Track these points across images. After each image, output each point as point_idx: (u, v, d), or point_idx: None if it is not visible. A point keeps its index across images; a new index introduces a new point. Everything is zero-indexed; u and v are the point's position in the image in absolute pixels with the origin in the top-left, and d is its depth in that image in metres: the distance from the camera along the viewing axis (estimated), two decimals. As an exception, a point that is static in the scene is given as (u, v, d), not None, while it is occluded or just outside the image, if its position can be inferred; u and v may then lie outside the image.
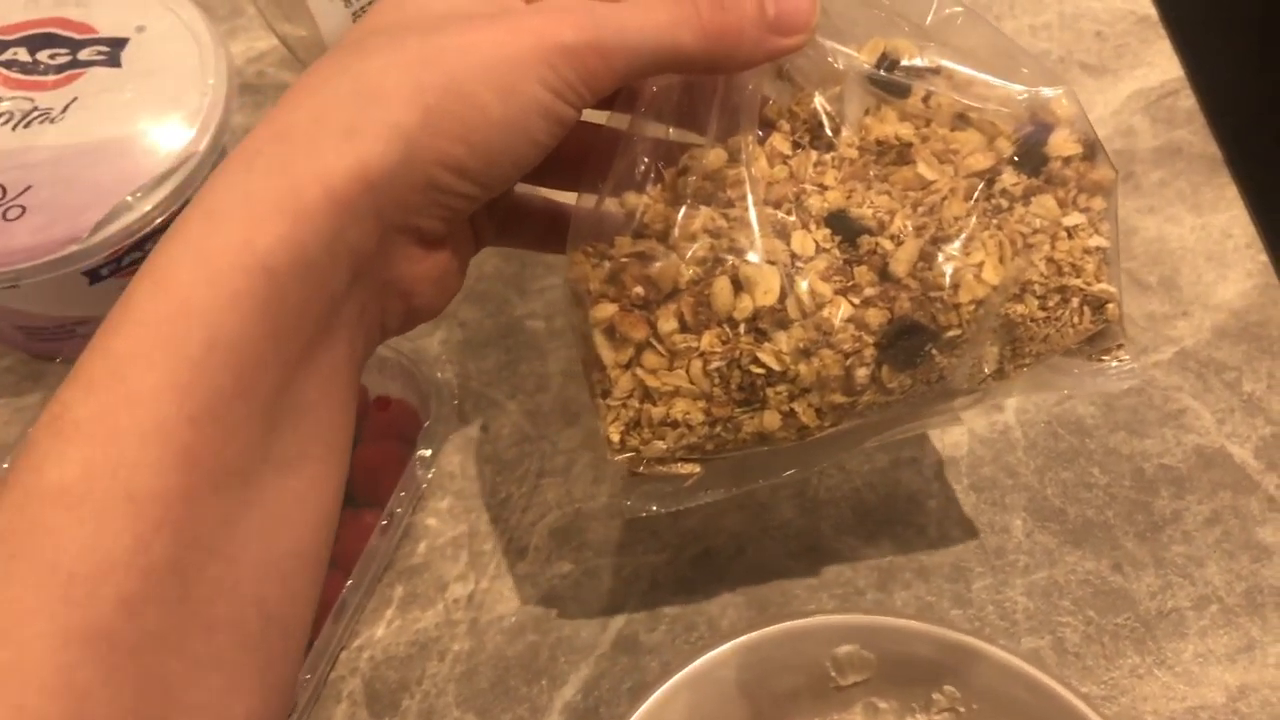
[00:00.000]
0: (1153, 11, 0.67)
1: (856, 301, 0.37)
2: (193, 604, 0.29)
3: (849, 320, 0.37)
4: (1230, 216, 0.59)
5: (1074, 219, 0.39)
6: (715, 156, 0.39)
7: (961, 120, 0.40)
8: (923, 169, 0.39)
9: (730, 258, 0.37)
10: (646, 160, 0.40)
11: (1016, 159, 0.39)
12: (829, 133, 0.39)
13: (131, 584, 0.27)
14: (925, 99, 0.40)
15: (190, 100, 0.50)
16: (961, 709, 0.41)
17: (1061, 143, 0.39)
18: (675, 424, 0.39)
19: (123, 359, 0.29)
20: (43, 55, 0.51)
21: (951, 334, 0.38)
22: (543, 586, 0.49)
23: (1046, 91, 0.40)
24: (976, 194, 0.38)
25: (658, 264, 0.38)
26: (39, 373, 0.54)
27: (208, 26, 0.52)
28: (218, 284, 0.29)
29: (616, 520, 0.51)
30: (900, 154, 0.39)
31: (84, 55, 0.51)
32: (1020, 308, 0.39)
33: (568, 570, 0.50)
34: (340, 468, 0.35)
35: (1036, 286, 0.39)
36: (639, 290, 0.38)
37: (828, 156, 0.39)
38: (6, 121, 0.49)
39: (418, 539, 0.50)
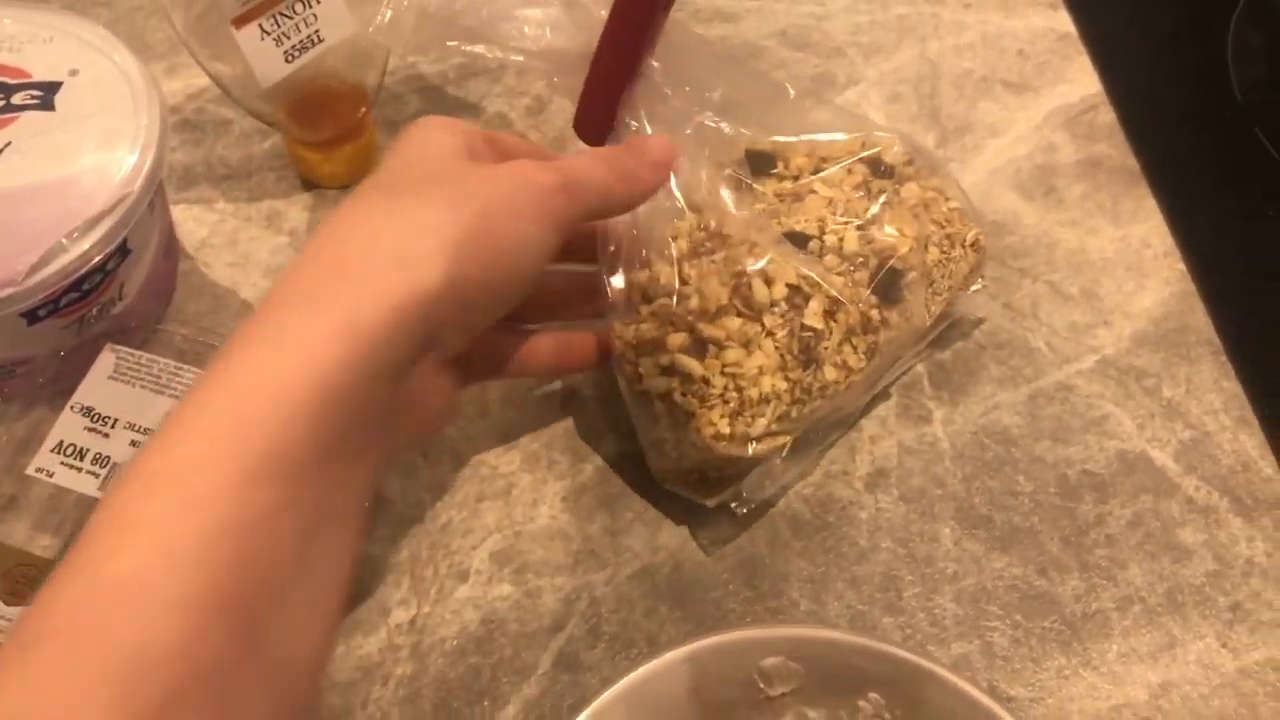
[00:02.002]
0: (1073, 29, 0.69)
1: (837, 268, 0.50)
2: (231, 696, 0.31)
3: (839, 274, 0.49)
4: (1149, 227, 0.61)
5: (930, 194, 0.53)
6: (686, 224, 0.51)
7: (819, 168, 0.53)
8: (821, 190, 0.52)
9: (745, 265, 0.49)
10: (636, 243, 0.50)
11: (874, 173, 0.53)
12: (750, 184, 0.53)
13: (180, 676, 0.29)
14: (786, 164, 0.53)
15: (124, 142, 0.51)
16: (887, 715, 0.42)
17: (893, 156, 0.54)
18: (768, 399, 0.48)
19: (183, 465, 0.32)
20: (-24, 100, 0.51)
21: (911, 275, 0.50)
22: (484, 609, 0.50)
23: (873, 133, 0.54)
24: (862, 190, 0.52)
25: (693, 300, 0.49)
26: (-19, 413, 0.54)
27: (140, 69, 0.53)
28: (279, 401, 0.32)
29: (556, 541, 0.52)
30: (796, 195, 0.52)
31: (17, 99, 0.52)
32: (930, 256, 0.52)
33: (508, 592, 0.51)
34: (351, 576, 0.38)
35: (934, 238, 0.52)
36: (690, 319, 0.49)
37: (763, 205, 0.52)
38: (-59, 167, 0.50)
39: (360, 565, 0.51)
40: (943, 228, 0.53)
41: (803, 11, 0.70)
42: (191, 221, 0.61)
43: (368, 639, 0.50)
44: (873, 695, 0.42)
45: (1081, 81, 0.67)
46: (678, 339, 0.49)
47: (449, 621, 0.50)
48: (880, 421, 0.55)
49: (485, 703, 0.48)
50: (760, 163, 0.53)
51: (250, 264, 0.60)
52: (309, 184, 0.62)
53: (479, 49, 0.53)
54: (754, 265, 0.49)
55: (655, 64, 0.50)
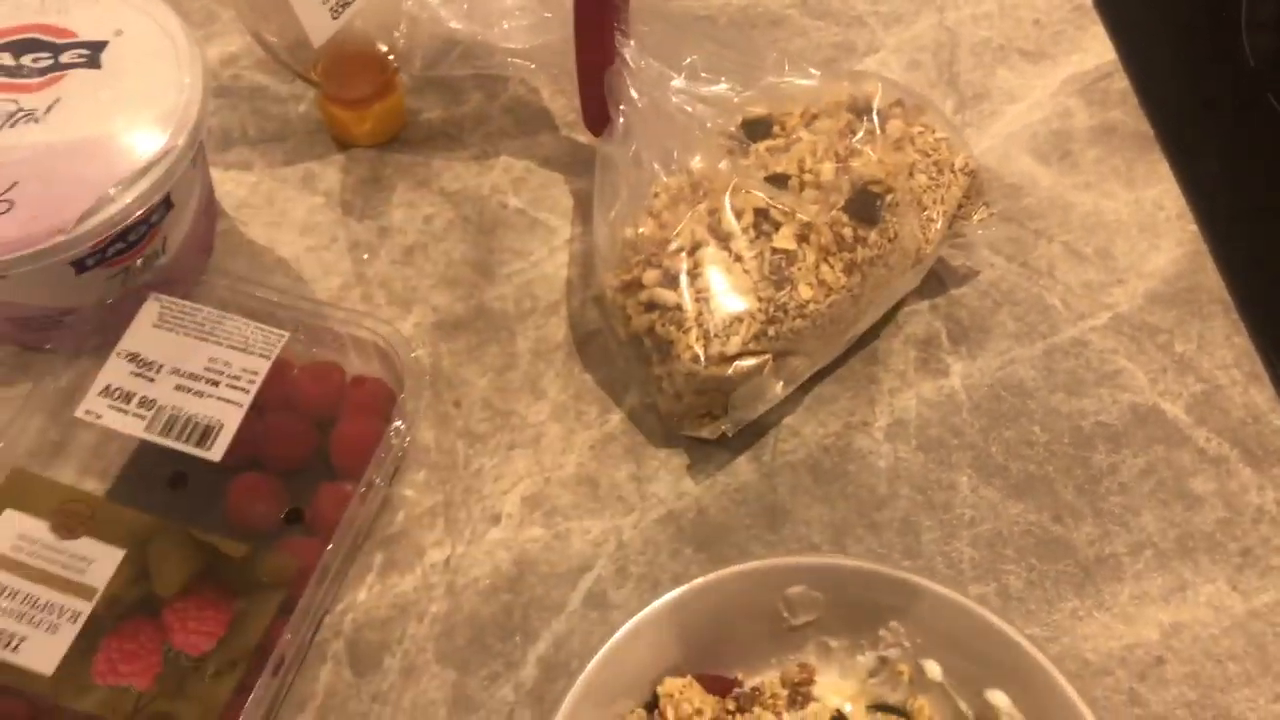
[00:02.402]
0: (1088, -1, 0.71)
1: (814, 199, 0.53)
2: None
3: (815, 203, 0.53)
4: (1162, 190, 0.63)
5: (917, 129, 0.57)
6: (674, 180, 0.55)
7: (811, 122, 0.57)
8: (806, 137, 0.56)
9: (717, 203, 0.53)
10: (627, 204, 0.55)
11: (859, 118, 0.56)
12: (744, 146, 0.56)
13: None
14: (782, 127, 0.57)
15: (167, 99, 0.53)
16: (906, 644, 0.44)
17: (879, 100, 0.57)
18: (740, 318, 0.51)
19: None
20: (26, 59, 0.53)
21: (890, 196, 0.53)
22: (515, 550, 0.52)
23: (862, 83, 0.58)
24: (847, 133, 0.56)
25: (671, 242, 0.53)
26: (27, 363, 0.56)
27: (183, 29, 0.55)
28: None
29: (585, 487, 0.54)
30: (785, 148, 0.55)
31: (65, 58, 0.53)
32: (917, 181, 0.55)
33: (539, 534, 0.52)
34: None
35: (920, 165, 0.56)
36: (668, 263, 0.52)
37: (750, 161, 0.56)
38: (-7, 122, 0.52)
39: (396, 509, 0.53)
40: (928, 155, 0.56)
41: (823, -18, 0.72)
42: (229, 183, 0.63)
43: (404, 578, 0.51)
44: (893, 624, 0.44)
45: (1096, 50, 0.68)
46: (653, 275, 0.53)
47: (482, 562, 0.52)
48: (899, 375, 0.57)
49: (517, 638, 0.50)
50: (757, 129, 0.57)
51: (287, 223, 0.61)
52: (343, 145, 0.64)
53: (479, 62, 0.63)
54: (723, 200, 0.53)
55: (631, 43, 0.56)
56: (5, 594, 0.45)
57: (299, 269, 0.60)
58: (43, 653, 0.44)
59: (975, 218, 0.57)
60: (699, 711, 0.42)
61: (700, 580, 0.43)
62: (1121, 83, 0.67)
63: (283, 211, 0.62)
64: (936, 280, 0.59)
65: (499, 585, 0.51)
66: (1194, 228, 0.61)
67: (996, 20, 0.70)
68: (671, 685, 0.43)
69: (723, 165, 0.54)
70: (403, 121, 0.65)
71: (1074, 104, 0.66)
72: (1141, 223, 0.62)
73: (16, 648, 0.44)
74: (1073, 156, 0.64)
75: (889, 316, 0.58)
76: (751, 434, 0.55)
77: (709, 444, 0.54)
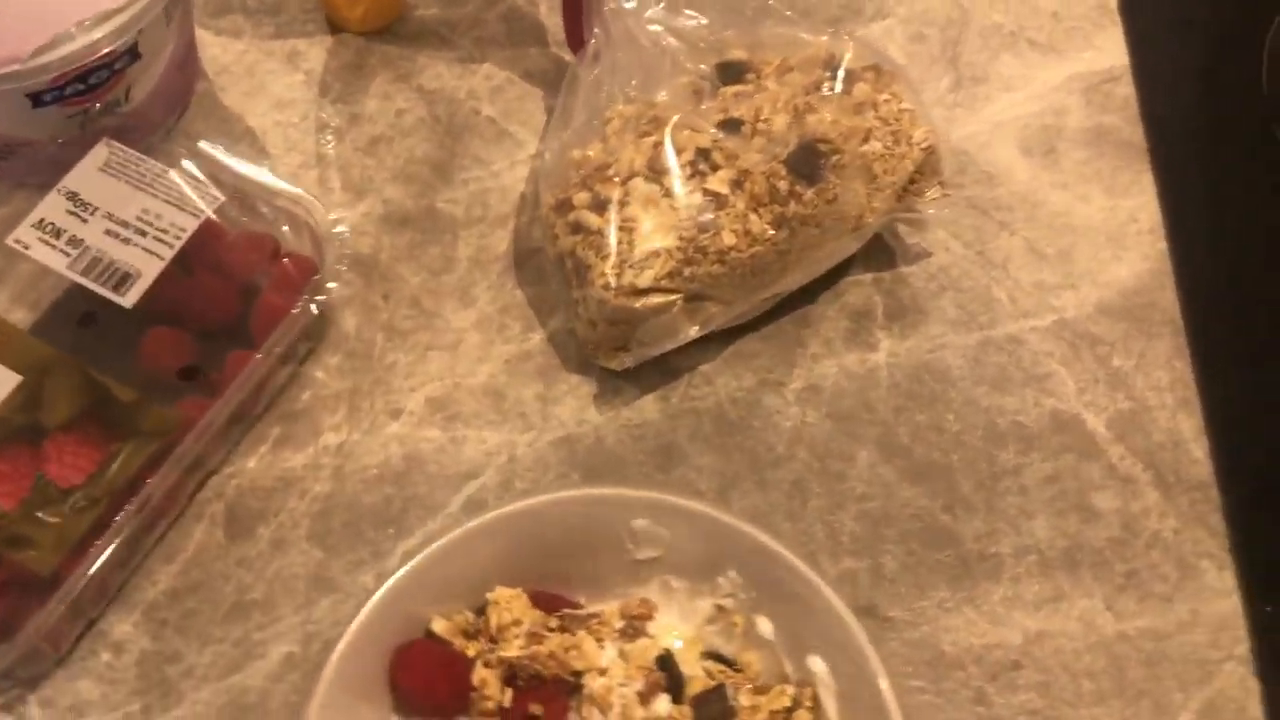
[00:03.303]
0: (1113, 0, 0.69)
1: (760, 149, 0.53)
2: None
3: (760, 152, 0.52)
4: (1140, 203, 0.61)
5: (884, 97, 0.56)
6: (631, 109, 0.55)
7: (784, 74, 0.56)
8: (770, 86, 0.55)
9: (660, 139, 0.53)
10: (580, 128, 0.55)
11: (830, 75, 0.55)
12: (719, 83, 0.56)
13: None
14: (758, 74, 0.56)
15: (150, -50, 0.53)
16: (742, 595, 0.44)
17: (854, 61, 0.56)
18: (658, 254, 0.51)
19: None
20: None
21: (836, 157, 0.53)
22: (409, 447, 0.53)
23: (838, 39, 0.57)
24: (812, 89, 0.55)
25: (611, 167, 0.53)
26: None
27: (177, -116, 0.55)
28: None
29: (490, 399, 0.54)
30: (749, 95, 0.55)
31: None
32: (870, 147, 0.54)
33: (435, 436, 0.53)
34: None
35: (877, 132, 0.55)
36: (599, 188, 0.53)
37: (714, 103, 0.55)
38: (-30, -54, 0.53)
39: (304, 388, 0.54)
40: (888, 124, 0.55)
41: (848, -59, 0.70)
42: (216, 47, 0.64)
43: (295, 455, 0.52)
44: (731, 573, 0.44)
45: (1109, 51, 0.66)
46: (584, 197, 0.53)
47: (374, 452, 0.53)
48: (825, 342, 0.56)
49: (390, 530, 0.51)
50: (730, 72, 0.56)
51: (262, 95, 0.62)
52: (334, 28, 0.65)
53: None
54: (665, 134, 0.53)
55: None
56: (-104, 398, 0.47)
57: (264, 141, 0.61)
58: (-81, 459, 0.46)
59: (928, 194, 0.56)
60: (517, 622, 0.43)
61: (547, 496, 0.43)
62: (1126, 89, 0.65)
63: (261, 84, 0.63)
64: (886, 255, 0.59)
65: (385, 477, 0.52)
66: (1163, 245, 0.60)
67: (1014, 6, 0.68)
68: (500, 594, 0.44)
69: (687, 106, 0.54)
70: (397, 13, 0.65)
71: (1072, 102, 0.64)
72: (1111, 232, 0.60)
73: (-102, 450, 0.46)
74: (1057, 154, 0.62)
75: (828, 282, 0.57)
76: (664, 374, 0.55)
77: (620, 378, 0.55)
